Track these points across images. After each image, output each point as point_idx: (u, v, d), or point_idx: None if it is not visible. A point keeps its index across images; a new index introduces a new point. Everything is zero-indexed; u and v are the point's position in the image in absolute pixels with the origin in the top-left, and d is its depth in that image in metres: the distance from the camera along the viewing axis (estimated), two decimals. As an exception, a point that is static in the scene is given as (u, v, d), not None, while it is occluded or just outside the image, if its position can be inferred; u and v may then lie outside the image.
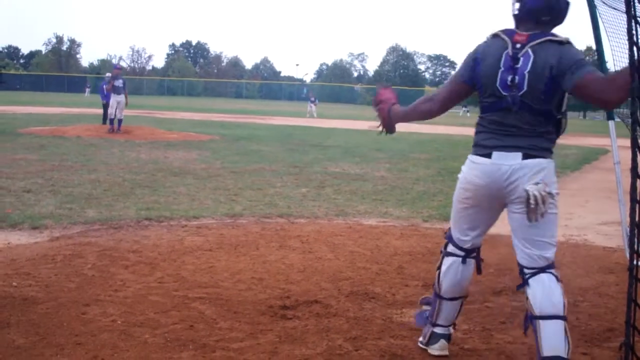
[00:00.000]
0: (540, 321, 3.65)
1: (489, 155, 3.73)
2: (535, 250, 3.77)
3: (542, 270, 3.75)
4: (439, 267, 4.18)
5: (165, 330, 4.47)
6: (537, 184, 3.58)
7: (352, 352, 4.23)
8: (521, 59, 3.61)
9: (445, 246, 4.18)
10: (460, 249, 4.09)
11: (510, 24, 3.82)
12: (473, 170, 3.82)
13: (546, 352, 3.61)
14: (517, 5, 3.73)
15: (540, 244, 3.76)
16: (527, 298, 3.78)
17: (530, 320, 3.74)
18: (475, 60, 3.79)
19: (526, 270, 3.81)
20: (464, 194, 3.94)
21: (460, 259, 4.07)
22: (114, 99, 23.38)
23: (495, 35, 3.79)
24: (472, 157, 3.86)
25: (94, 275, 5.73)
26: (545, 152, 3.70)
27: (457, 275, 4.09)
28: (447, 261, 4.12)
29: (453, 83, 3.99)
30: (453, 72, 3.81)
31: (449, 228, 4.21)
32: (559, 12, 3.70)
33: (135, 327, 4.49)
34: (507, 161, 3.66)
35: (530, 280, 3.77)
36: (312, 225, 8.50)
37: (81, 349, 4.08)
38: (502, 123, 3.72)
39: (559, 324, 3.63)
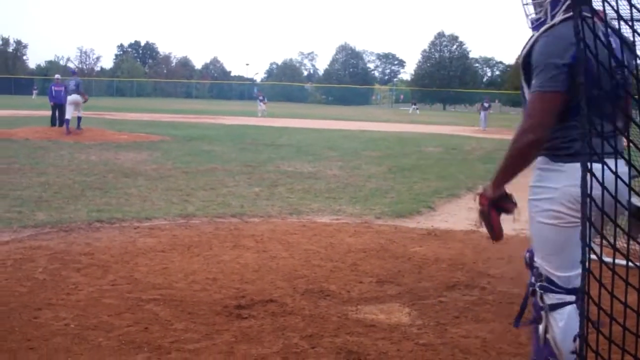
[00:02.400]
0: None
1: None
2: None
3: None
4: (546, 331, 3.15)
5: (119, 332, 4.43)
6: None
7: (309, 350, 4.24)
8: (612, 41, 2.85)
9: (542, 298, 3.16)
10: (568, 291, 3.08)
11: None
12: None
13: None
14: None
15: None
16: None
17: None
18: (573, 58, 2.81)
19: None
20: (574, 212, 2.96)
21: (573, 304, 3.05)
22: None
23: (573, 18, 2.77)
24: (574, 166, 2.88)
25: (45, 279, 5.65)
26: None
27: (575, 324, 2.76)
28: (562, 314, 3.08)
29: (553, 99, 2.95)
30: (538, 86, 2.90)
31: (537, 276, 3.23)
32: None
33: (88, 331, 4.44)
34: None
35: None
36: (265, 224, 8.49)
37: (34, 353, 4.03)
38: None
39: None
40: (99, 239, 7.31)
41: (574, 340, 2.87)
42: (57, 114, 24.78)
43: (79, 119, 23.62)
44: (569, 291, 3.06)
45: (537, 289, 3.19)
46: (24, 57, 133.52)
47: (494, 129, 39.48)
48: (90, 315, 4.75)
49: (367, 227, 8.57)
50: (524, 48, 3.15)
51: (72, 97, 23.52)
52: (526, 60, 3.11)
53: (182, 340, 4.35)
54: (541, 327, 3.19)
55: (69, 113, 23.41)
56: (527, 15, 3.25)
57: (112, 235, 7.56)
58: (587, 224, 2.26)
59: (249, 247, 7.14)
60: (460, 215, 9.69)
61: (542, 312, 3.17)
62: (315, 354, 4.18)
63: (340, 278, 6.03)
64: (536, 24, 3.21)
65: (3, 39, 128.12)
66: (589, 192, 2.24)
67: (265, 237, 7.65)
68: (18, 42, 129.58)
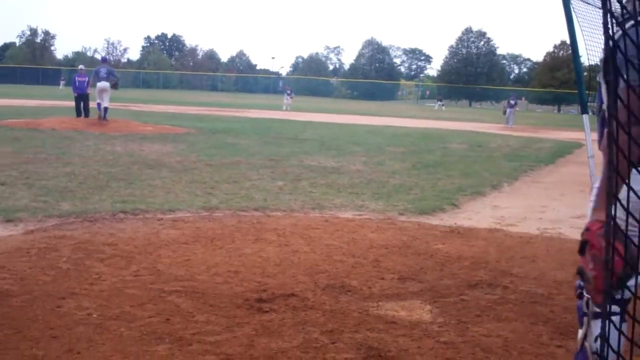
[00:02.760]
0: None
1: None
2: None
3: None
4: (585, 338, 2.98)
5: (141, 323, 4.46)
6: None
7: (329, 345, 4.24)
8: None
9: (588, 304, 2.95)
10: (616, 300, 2.81)
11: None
12: None
13: None
14: None
15: None
16: None
17: None
18: None
19: None
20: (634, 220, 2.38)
21: (618, 315, 2.61)
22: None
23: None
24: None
25: (69, 269, 5.70)
26: None
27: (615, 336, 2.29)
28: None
29: None
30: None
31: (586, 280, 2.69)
32: None
33: (111, 321, 4.48)
34: None
35: None
36: (288, 219, 8.50)
37: (56, 342, 4.06)
38: None
39: None
40: (122, 230, 7.36)
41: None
42: (81, 105, 24.96)
43: (105, 109, 23.73)
44: (616, 301, 2.78)
45: (585, 294, 2.97)
46: (52, 48, 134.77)
47: (520, 126, 39.26)
48: (112, 306, 4.79)
49: (390, 223, 8.55)
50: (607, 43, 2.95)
51: (101, 84, 23.67)
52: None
53: (203, 332, 4.37)
54: (580, 333, 3.05)
55: (100, 99, 23.63)
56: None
57: (136, 226, 7.61)
58: (612, 223, 2.23)
59: (271, 241, 7.15)
60: (484, 213, 9.65)
61: (585, 318, 2.99)
62: (336, 349, 4.18)
63: (361, 274, 6.02)
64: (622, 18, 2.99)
65: (31, 29, 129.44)
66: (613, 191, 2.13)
67: (288, 232, 7.66)
68: (46, 33, 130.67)
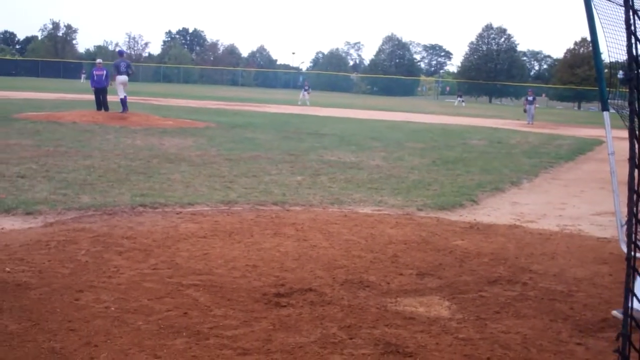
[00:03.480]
0: None
1: None
2: None
3: None
4: None
5: (159, 316, 4.46)
6: None
7: (347, 341, 4.22)
8: None
9: None
10: None
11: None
12: None
13: None
14: None
15: None
16: None
17: None
18: None
19: None
20: None
21: None
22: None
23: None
24: None
25: (87, 262, 5.71)
26: None
27: None
28: None
29: None
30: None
31: None
32: None
33: (128, 314, 4.48)
34: None
35: None
36: (307, 213, 8.48)
37: (74, 335, 4.07)
38: None
39: None
40: (141, 223, 7.37)
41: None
42: (101, 98, 25.10)
43: (124, 98, 24.05)
44: None
45: None
46: (74, 42, 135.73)
47: (540, 123, 39.00)
48: (130, 299, 4.80)
49: (409, 218, 8.52)
50: None
51: (122, 78, 23.94)
52: None
53: (220, 326, 4.36)
54: None
55: (121, 93, 23.88)
56: None
57: (155, 219, 7.62)
58: (634, 220, 2.20)
59: (289, 236, 7.14)
60: (504, 209, 9.59)
61: None
62: (353, 345, 4.16)
63: (380, 269, 6.00)
64: None
65: (53, 23, 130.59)
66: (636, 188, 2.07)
67: (306, 226, 7.64)
68: (68, 27, 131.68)
